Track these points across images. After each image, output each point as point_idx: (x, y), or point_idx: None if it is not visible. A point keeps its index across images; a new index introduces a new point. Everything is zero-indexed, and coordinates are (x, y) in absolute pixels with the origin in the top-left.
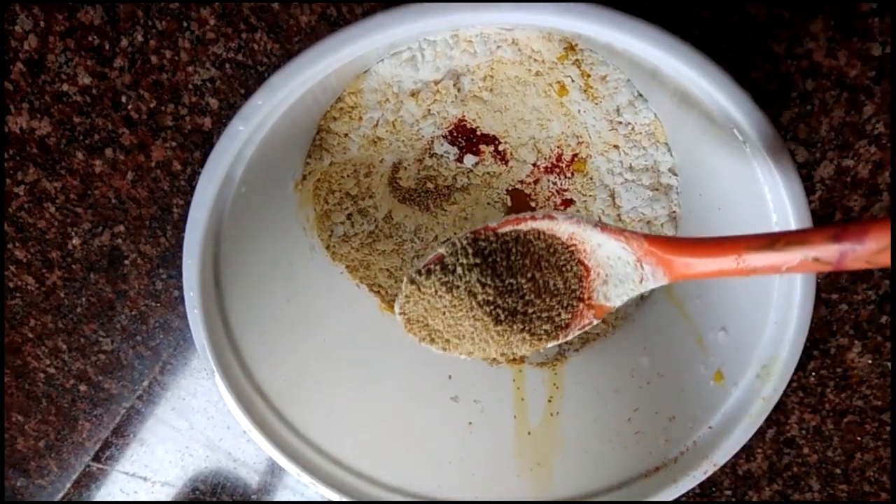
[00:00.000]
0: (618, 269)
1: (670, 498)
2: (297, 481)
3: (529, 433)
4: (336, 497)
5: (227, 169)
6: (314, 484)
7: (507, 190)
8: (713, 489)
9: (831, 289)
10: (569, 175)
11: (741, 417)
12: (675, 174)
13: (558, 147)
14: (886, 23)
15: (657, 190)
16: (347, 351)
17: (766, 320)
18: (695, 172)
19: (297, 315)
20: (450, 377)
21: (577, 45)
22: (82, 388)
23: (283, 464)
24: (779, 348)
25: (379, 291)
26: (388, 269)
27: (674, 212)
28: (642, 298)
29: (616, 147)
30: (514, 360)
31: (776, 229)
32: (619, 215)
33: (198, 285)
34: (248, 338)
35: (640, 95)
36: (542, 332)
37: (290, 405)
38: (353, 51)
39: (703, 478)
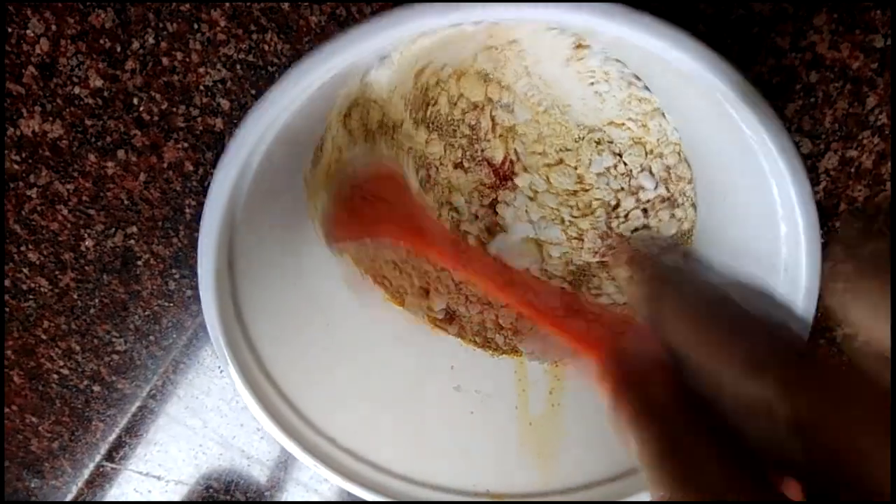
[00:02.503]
0: None
1: None
2: (311, 478)
3: (531, 424)
4: (341, 481)
5: (238, 170)
6: (316, 466)
7: None
8: None
9: None
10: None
11: None
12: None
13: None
14: (888, 15)
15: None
16: (351, 339)
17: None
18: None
19: (305, 307)
20: (452, 367)
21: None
22: (96, 388)
23: (292, 450)
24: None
25: (383, 282)
26: (392, 262)
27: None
28: None
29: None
30: (516, 351)
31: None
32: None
33: (213, 284)
34: (260, 329)
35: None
36: None
37: (297, 391)
38: (347, 57)
39: None
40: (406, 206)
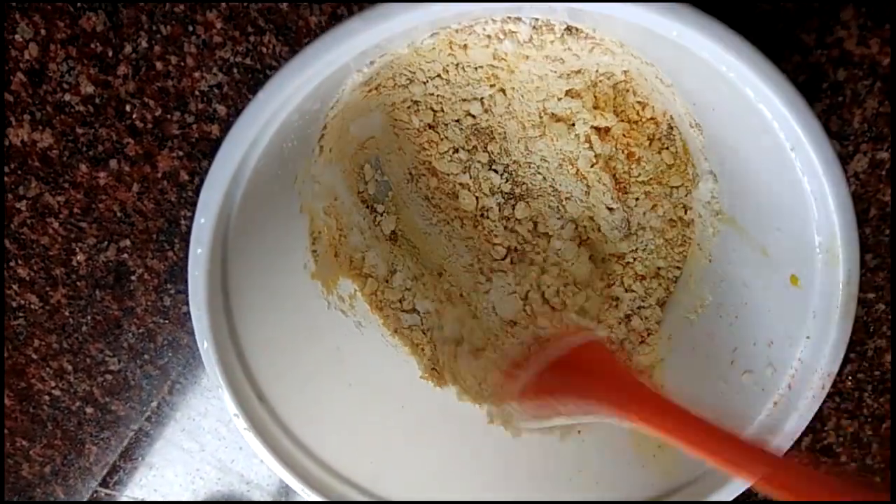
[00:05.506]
0: None
1: (802, 427)
2: None
3: None
4: None
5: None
6: None
7: None
8: (750, 498)
9: (867, 288)
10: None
11: (832, 316)
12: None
13: None
14: None
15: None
16: (426, 404)
17: (807, 203)
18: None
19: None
20: None
21: None
22: (89, 410)
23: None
24: (829, 229)
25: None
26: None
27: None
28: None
29: None
30: None
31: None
32: None
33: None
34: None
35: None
36: None
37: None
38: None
39: (824, 394)
40: (616, 375)
